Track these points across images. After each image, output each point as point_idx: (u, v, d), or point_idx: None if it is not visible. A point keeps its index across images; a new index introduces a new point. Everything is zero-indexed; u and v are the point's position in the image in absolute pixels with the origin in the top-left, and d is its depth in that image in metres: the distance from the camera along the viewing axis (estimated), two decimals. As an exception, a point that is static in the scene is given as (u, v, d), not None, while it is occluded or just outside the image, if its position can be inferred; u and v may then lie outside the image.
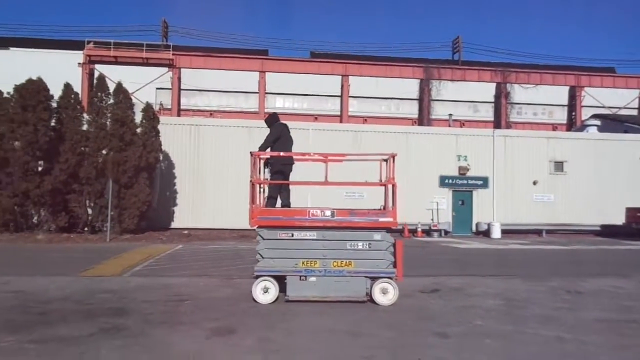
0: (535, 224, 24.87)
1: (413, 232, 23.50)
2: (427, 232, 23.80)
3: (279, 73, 37.09)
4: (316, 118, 37.09)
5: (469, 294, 8.67)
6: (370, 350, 5.23)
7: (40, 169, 18.31)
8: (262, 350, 5.23)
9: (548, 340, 5.76)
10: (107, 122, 18.71)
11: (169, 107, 36.17)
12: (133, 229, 18.84)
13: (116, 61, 34.76)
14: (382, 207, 7.94)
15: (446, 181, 25.05)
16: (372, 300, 7.49)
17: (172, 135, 22.12)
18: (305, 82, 38.07)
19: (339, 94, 38.91)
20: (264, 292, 7.57)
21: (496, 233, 23.71)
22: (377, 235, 7.53)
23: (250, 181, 7.82)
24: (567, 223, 25.10)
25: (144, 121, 19.66)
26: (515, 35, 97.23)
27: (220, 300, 7.75)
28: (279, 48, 59.06)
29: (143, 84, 33.22)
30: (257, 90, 37.19)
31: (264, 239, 7.61)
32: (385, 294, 7.51)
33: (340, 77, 38.54)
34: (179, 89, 36.56)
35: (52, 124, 18.43)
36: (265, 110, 35.80)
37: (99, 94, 19.07)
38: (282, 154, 8.54)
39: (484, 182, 25.31)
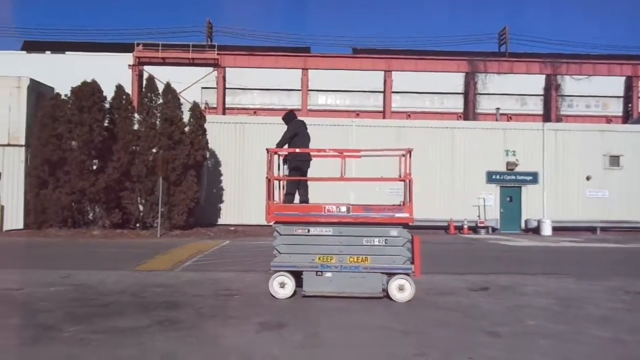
0: (588, 220, 23.90)
1: (459, 229, 23.09)
2: (474, 229, 23.31)
3: (321, 70, 37.14)
4: (358, 114, 36.91)
5: (520, 292, 8.45)
6: (421, 348, 5.21)
7: (94, 167, 19.12)
8: (312, 346, 5.29)
9: (605, 342, 5.56)
10: (157, 122, 19.32)
11: (214, 105, 36.90)
12: (182, 225, 19.39)
13: (164, 62, 35.69)
14: (401, 203, 7.83)
15: (493, 177, 24.43)
16: (388, 297, 7.42)
17: (218, 133, 22.58)
18: (347, 79, 37.96)
19: (382, 90, 38.58)
20: (281, 286, 7.66)
21: (547, 230, 22.96)
22: (394, 231, 7.47)
23: (267, 178, 7.92)
24: (623, 220, 23.99)
25: (191, 120, 20.18)
26: (566, 24, 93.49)
27: (268, 296, 7.86)
28: (320, 45, 59.13)
29: (189, 83, 34.02)
30: (299, 88, 37.37)
31: (280, 234, 7.69)
32: (402, 290, 7.44)
33: (382, 72, 38.20)
34: (224, 88, 37.19)
35: (106, 124, 19.20)
36: (308, 108, 36.01)
37: (149, 94, 19.72)
38: (297, 150, 8.57)
39: (534, 178, 24.53)
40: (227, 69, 37.40)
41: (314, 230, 7.60)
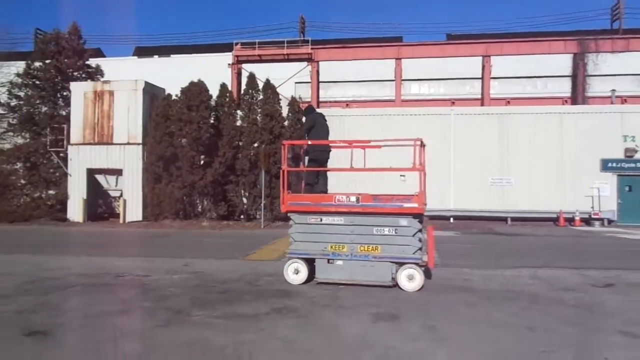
0: None
1: (570, 221, 21.54)
2: (587, 221, 21.62)
3: (415, 59, 36.31)
4: (453, 103, 35.64)
5: (653, 290, 7.71)
6: (549, 345, 4.93)
7: (202, 162, 20.31)
8: (430, 339, 5.20)
9: None
10: (258, 117, 20.07)
11: (307, 99, 37.56)
12: (284, 216, 19.96)
13: (260, 59, 36.87)
14: (416, 194, 7.64)
15: (609, 165, 22.43)
16: (398, 286, 7.50)
17: (314, 127, 22.96)
18: (441, 66, 36.81)
19: (478, 76, 36.90)
20: (295, 273, 8.01)
21: (673, 222, 20.72)
22: (404, 221, 7.51)
23: (281, 169, 8.27)
24: None
25: (290, 114, 20.72)
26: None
27: (375, 287, 7.87)
28: (413, 33, 57.79)
29: (283, 79, 34.89)
30: (391, 78, 36.87)
31: (295, 223, 8.01)
32: (412, 280, 7.51)
33: (480, 58, 36.51)
34: (318, 82, 37.67)
35: (211, 121, 20.31)
36: (402, 98, 35.43)
37: (250, 91, 20.55)
38: (309, 142, 8.87)
39: (657, 165, 22.20)
40: (320, 62, 37.85)
41: (326, 219, 7.85)
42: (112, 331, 5.57)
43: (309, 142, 8.93)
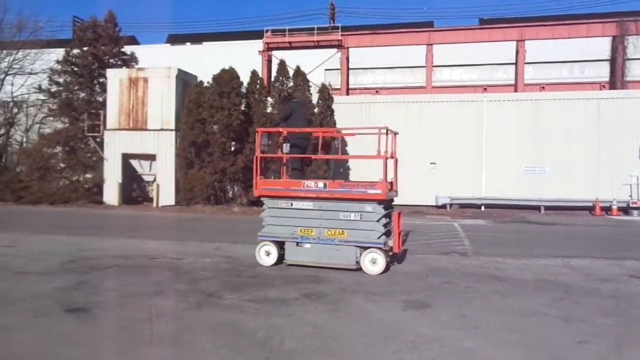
0: None
1: (606, 210, 20.91)
2: (625, 210, 20.94)
3: (446, 44, 35.59)
4: (486, 89, 34.82)
5: (696, 283, 7.44)
6: (584, 336, 4.84)
7: (232, 149, 20.51)
8: (462, 327, 5.17)
9: None
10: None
11: (336, 87, 37.34)
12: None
13: (290, 46, 36.79)
14: (385, 180, 7.92)
15: (649, 152, 21.64)
16: (361, 269, 7.81)
17: (344, 114, 22.79)
18: (472, 52, 35.97)
19: (511, 62, 35.93)
20: (266, 255, 8.39)
21: None
22: (369, 207, 7.75)
23: (255, 156, 8.63)
24: None
25: (319, 102, 20.67)
26: None
27: (407, 275, 7.87)
28: (444, 18, 56.61)
29: (312, 66, 34.79)
30: (421, 64, 36.29)
31: (267, 207, 8.38)
32: (375, 264, 7.77)
33: (515, 42, 35.51)
34: (348, 69, 37.38)
35: (242, 108, 20.44)
36: (432, 84, 34.85)
37: (280, 77, 20.58)
38: (284, 130, 9.12)
39: (700, 153, 21.28)
40: (350, 49, 37.53)
41: (296, 204, 8.16)
42: (147, 311, 5.75)
43: (281, 130, 9.28)
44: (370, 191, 7.80)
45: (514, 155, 22.14)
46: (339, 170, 23.07)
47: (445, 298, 6.41)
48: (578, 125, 21.84)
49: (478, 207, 21.90)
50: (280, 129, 9.34)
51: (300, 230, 8.11)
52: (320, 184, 8.15)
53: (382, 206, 7.77)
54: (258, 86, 20.59)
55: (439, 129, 22.72)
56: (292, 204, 8.20)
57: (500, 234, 13.88)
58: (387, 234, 8.05)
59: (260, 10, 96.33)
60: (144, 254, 9.53)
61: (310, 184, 8.18)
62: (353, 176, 23.15)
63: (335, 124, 20.98)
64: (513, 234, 13.88)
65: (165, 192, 21.24)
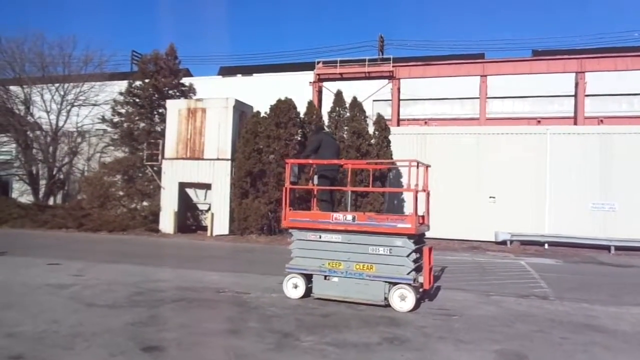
0: None
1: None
2: None
3: (498, 76, 34.90)
4: (539, 121, 33.81)
5: None
6: None
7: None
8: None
9: None
10: (344, 135, 19.94)
11: (388, 117, 37.13)
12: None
13: (341, 77, 37.04)
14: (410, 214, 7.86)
15: None
16: (389, 306, 7.55)
17: (399, 145, 22.40)
18: (523, 84, 35.13)
19: (566, 94, 34.76)
20: (294, 287, 8.27)
21: None
22: (398, 241, 7.57)
23: (284, 187, 8.54)
24: None
25: (376, 133, 20.42)
26: None
27: (489, 319, 7.32)
28: (494, 50, 55.93)
29: (361, 97, 34.86)
30: (471, 96, 35.70)
31: (295, 239, 8.29)
32: (404, 300, 7.54)
33: (571, 74, 34.41)
34: (399, 100, 37.20)
35: (298, 138, 20.43)
36: (488, 116, 34.12)
37: (337, 108, 20.51)
38: (310, 160, 9.23)
39: None
40: (400, 80, 37.42)
41: (325, 236, 8.04)
42: (224, 352, 5.48)
43: (310, 161, 9.28)
44: (400, 225, 7.60)
45: (579, 191, 21.02)
46: (394, 203, 22.57)
47: (541, 349, 5.84)
48: (651, 160, 20.59)
49: (541, 244, 20.76)
50: (310, 161, 9.25)
51: (329, 264, 8.00)
52: (349, 216, 7.99)
53: (412, 241, 7.58)
54: (314, 117, 20.56)
55: (498, 161, 21.94)
56: (320, 237, 8.08)
57: (577, 275, 12.95)
58: (418, 269, 7.83)
59: (309, 43, 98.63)
60: (208, 286, 9.36)
61: (339, 216, 8.03)
62: (407, 209, 22.59)
63: (392, 154, 20.63)
64: (590, 276, 12.93)
65: (220, 221, 21.29)
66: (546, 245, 20.67)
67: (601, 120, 33.09)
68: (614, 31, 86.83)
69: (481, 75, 35.90)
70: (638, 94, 34.64)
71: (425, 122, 36.67)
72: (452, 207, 21.23)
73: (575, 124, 32.92)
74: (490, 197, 22.16)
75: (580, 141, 21.66)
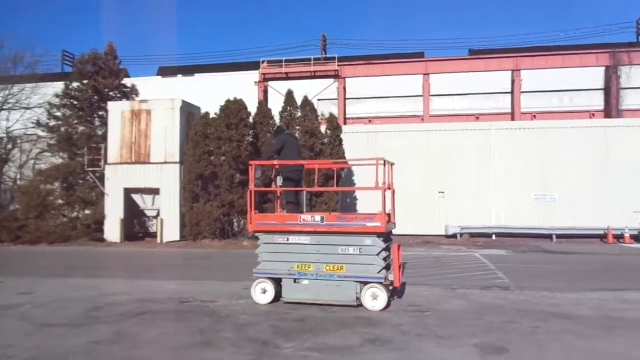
0: None
1: (618, 237, 20.72)
2: (636, 237, 20.77)
3: (440, 74, 35.93)
4: (477, 117, 35.13)
5: None
6: None
7: (237, 180, 19.99)
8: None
9: None
10: (297, 134, 19.77)
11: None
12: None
13: (287, 77, 36.86)
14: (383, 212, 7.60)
15: (659, 178, 21.63)
16: (361, 305, 7.50)
17: (350, 143, 22.51)
18: (462, 81, 36.34)
19: (502, 91, 36.34)
20: (262, 292, 8.03)
21: None
22: (368, 240, 7.49)
23: (249, 189, 8.41)
24: None
25: (328, 132, 20.41)
26: None
27: (461, 313, 7.42)
28: (434, 49, 57.44)
29: (307, 96, 34.80)
30: (414, 94, 36.54)
31: (262, 243, 8.09)
32: (375, 299, 7.48)
33: (505, 72, 36.00)
34: (344, 99, 37.48)
35: (249, 139, 20.05)
36: (430, 113, 35.05)
37: (288, 108, 20.31)
38: (276, 162, 8.91)
39: None
40: (346, 79, 37.70)
41: (293, 238, 7.86)
42: (205, 366, 5.20)
43: (275, 163, 8.99)
44: (369, 224, 7.51)
45: (522, 184, 22.03)
46: (346, 201, 22.67)
47: (518, 341, 5.95)
48: (586, 153, 21.87)
49: (488, 235, 21.57)
50: (274, 162, 9.03)
51: (298, 266, 7.82)
52: (317, 217, 7.83)
53: (381, 239, 7.51)
54: (265, 116, 20.26)
55: (446, 157, 22.59)
56: (288, 239, 7.89)
57: (529, 265, 13.49)
58: (387, 267, 7.78)
59: (249, 42, 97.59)
60: (171, 296, 8.94)
61: (306, 217, 7.87)
62: (360, 207, 22.76)
63: (344, 153, 20.70)
64: (540, 265, 13.52)
65: (170, 227, 20.57)
66: (493, 237, 21.49)
67: (534, 116, 34.80)
68: (543, 31, 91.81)
69: (424, 74, 36.83)
70: (568, 90, 36.58)
71: (370, 120, 37.10)
72: (404, 203, 21.49)
73: (512, 119, 34.47)
74: (440, 192, 22.76)
75: (521, 136, 22.69)
